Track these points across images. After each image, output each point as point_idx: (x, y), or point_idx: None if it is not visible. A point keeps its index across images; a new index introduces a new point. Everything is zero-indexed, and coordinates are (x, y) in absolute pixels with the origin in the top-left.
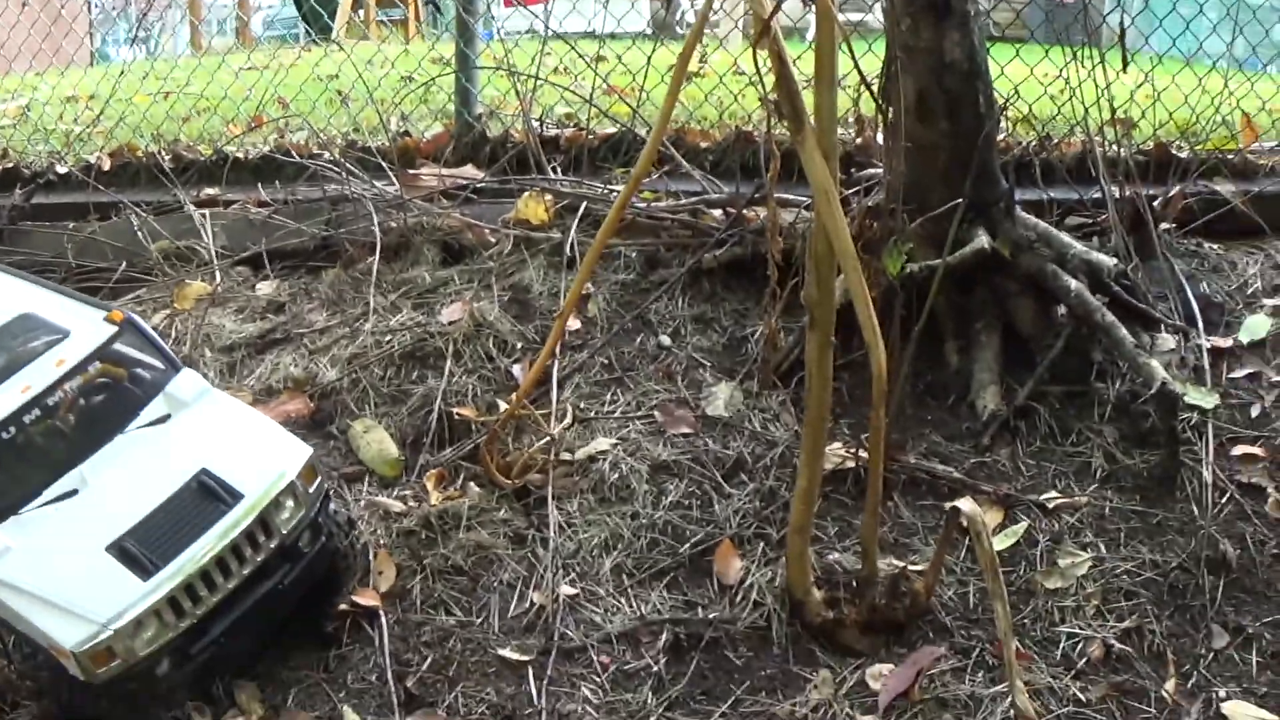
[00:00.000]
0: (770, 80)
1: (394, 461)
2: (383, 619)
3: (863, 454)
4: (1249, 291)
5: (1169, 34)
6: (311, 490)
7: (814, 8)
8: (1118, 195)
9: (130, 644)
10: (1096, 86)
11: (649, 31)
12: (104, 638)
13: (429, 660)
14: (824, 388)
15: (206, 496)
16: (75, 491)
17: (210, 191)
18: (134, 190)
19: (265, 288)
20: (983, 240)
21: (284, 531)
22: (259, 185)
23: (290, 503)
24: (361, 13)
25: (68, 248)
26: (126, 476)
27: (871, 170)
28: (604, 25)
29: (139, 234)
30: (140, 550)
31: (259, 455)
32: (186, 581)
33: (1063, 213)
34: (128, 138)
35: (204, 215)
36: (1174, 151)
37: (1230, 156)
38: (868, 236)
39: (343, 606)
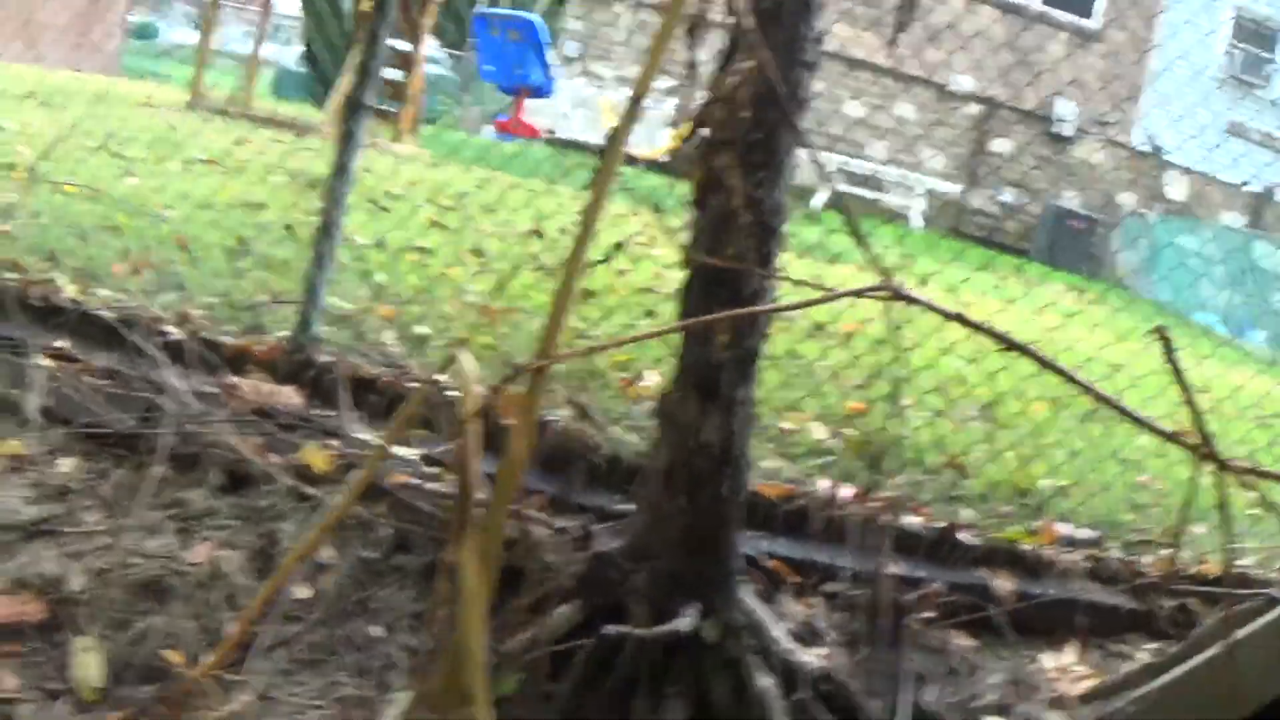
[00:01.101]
0: None
1: (95, 689)
2: None
3: None
4: (976, 703)
5: None
6: None
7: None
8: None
9: None
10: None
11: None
12: None
13: None
14: None
15: None
16: None
17: (62, 344)
18: (1, 318)
19: (66, 465)
20: (682, 623)
21: None
22: (103, 352)
23: None
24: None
25: None
26: None
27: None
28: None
29: None
30: None
31: None
32: None
33: (823, 578)
34: (31, 238)
35: (40, 369)
36: (959, 537)
37: (1024, 549)
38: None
39: None
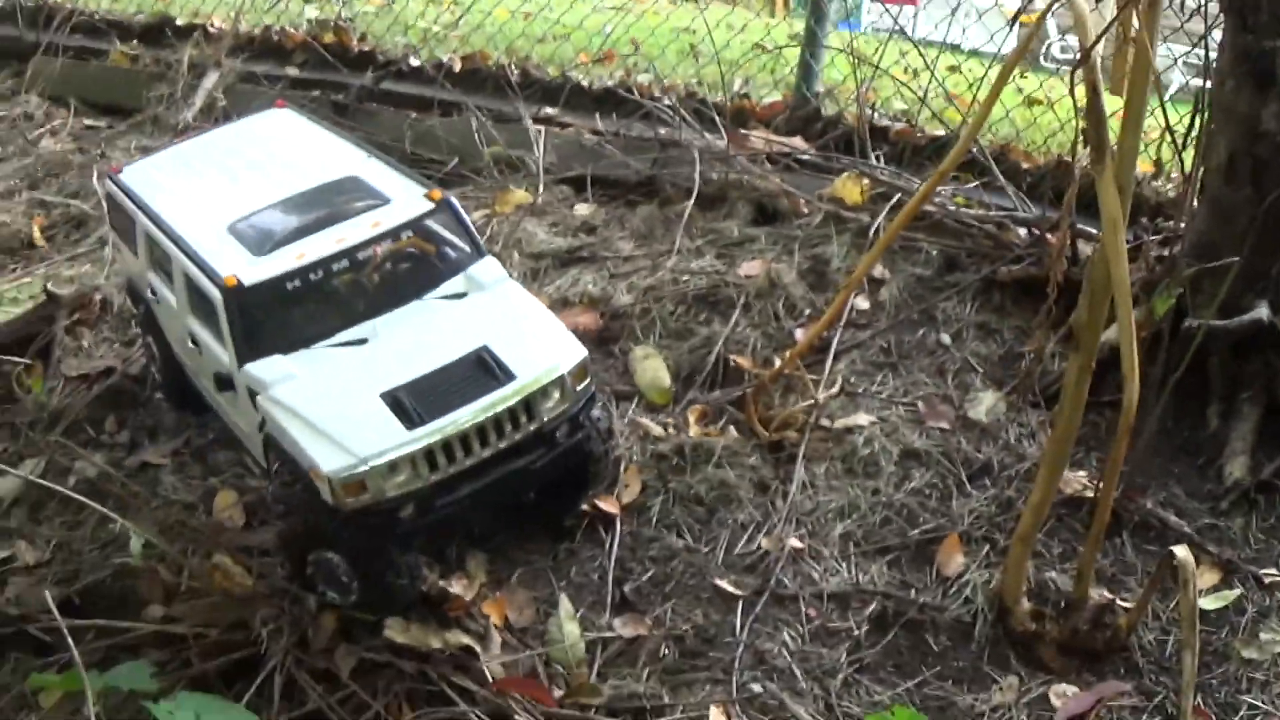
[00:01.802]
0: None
1: (665, 390)
2: (618, 527)
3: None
4: None
5: None
6: (579, 389)
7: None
8: None
9: (381, 483)
10: None
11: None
12: (359, 471)
13: (650, 573)
14: (1076, 409)
15: (482, 370)
16: (365, 340)
17: (549, 111)
18: (478, 95)
19: (582, 209)
20: (1262, 312)
21: (545, 419)
22: (596, 115)
23: (557, 394)
24: None
25: (406, 135)
26: (414, 337)
27: (1173, 223)
28: (969, 41)
29: (476, 136)
30: (411, 403)
31: (538, 345)
32: (445, 440)
33: None
34: (482, 46)
35: (539, 131)
36: None
37: None
38: (1149, 279)
39: (585, 506)
